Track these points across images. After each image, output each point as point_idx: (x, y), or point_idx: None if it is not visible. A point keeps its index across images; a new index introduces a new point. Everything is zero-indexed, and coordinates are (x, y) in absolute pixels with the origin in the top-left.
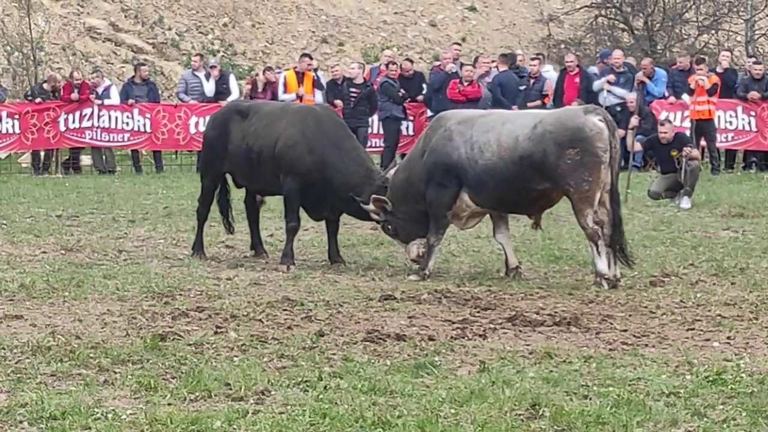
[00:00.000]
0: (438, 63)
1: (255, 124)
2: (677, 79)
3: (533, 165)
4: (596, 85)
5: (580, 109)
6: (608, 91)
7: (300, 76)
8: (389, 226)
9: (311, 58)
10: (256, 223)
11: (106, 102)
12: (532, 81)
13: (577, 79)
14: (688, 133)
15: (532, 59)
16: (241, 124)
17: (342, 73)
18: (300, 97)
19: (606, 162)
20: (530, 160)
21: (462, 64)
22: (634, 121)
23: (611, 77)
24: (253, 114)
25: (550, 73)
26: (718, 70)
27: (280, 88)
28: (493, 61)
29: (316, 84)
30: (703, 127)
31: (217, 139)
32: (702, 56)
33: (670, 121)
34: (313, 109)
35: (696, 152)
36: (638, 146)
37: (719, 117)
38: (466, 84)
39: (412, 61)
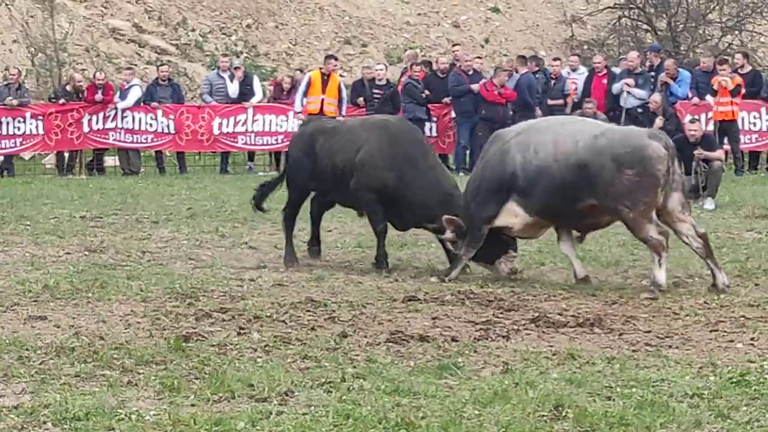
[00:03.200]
0: (458, 64)
1: (338, 141)
2: (701, 80)
3: (587, 176)
4: (615, 87)
5: (645, 132)
6: (627, 92)
7: (325, 78)
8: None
9: (336, 59)
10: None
11: (121, 102)
12: (553, 81)
13: (605, 80)
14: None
15: (554, 59)
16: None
17: (372, 74)
18: (321, 101)
19: (662, 185)
20: (585, 170)
21: (498, 68)
22: (658, 122)
23: (630, 80)
24: (336, 132)
25: (585, 74)
26: (742, 71)
27: (302, 88)
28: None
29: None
30: (727, 128)
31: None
32: (725, 57)
33: (698, 120)
34: (388, 122)
35: (719, 153)
36: None
37: (743, 118)
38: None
39: (430, 63)
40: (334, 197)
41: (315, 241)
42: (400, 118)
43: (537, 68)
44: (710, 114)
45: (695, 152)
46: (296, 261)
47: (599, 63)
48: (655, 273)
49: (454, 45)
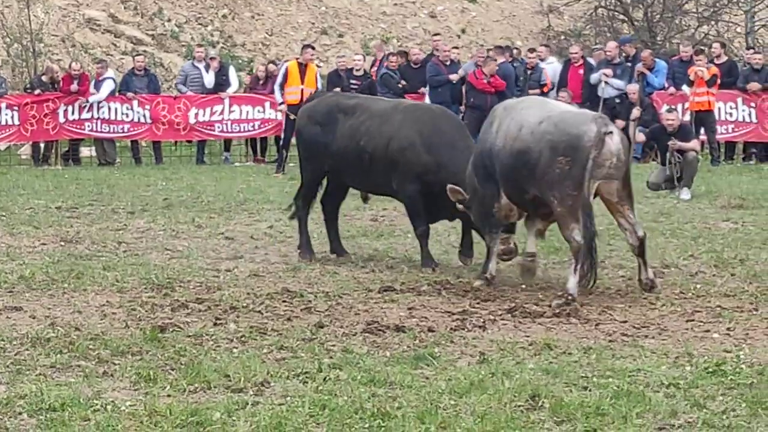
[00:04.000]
0: (436, 54)
1: (366, 123)
2: (677, 70)
3: (527, 164)
4: (593, 77)
5: (588, 116)
6: (606, 83)
7: (302, 68)
8: (473, 219)
9: (313, 49)
10: (335, 225)
11: (94, 94)
12: (529, 72)
13: (581, 71)
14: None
15: (530, 50)
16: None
17: (346, 64)
18: (301, 91)
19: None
20: (526, 157)
21: (488, 57)
22: (636, 112)
23: (608, 71)
24: (362, 112)
25: (554, 64)
26: (718, 61)
27: (279, 79)
28: (489, 50)
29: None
30: (703, 119)
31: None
32: (701, 47)
33: (676, 110)
34: (428, 107)
35: (693, 143)
36: (640, 137)
37: (719, 108)
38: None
39: (407, 53)
40: (357, 183)
41: (337, 245)
42: (428, 104)
43: (512, 58)
44: (686, 104)
45: (669, 143)
46: (312, 253)
47: (575, 53)
48: (569, 278)
49: (434, 35)
